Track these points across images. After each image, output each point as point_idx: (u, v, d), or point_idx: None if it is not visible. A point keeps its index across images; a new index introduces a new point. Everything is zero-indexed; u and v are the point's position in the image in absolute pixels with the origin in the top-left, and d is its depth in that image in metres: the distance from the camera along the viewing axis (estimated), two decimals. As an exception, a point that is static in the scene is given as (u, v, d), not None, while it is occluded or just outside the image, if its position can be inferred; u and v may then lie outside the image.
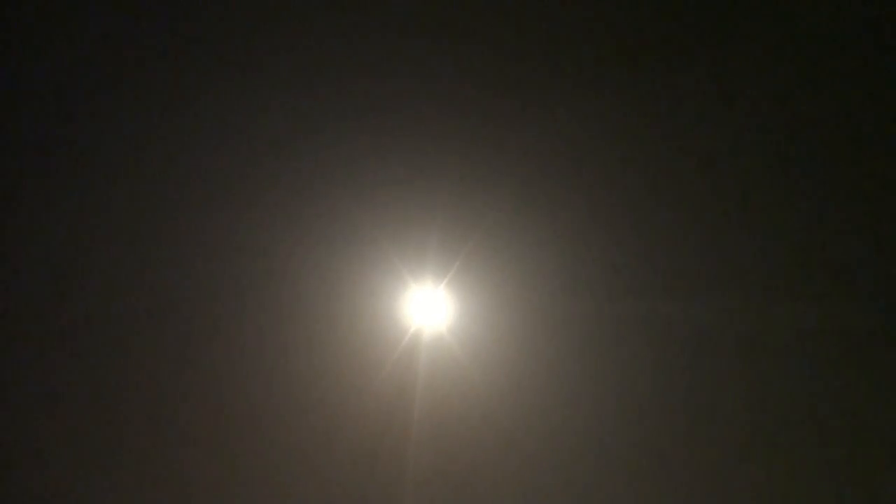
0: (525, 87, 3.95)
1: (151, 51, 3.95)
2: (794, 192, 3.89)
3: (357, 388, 3.87)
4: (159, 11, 3.94)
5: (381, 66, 3.99)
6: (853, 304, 3.84)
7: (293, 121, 3.98)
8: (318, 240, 3.95)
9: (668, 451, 3.86)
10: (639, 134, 3.93)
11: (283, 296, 3.95)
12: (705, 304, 3.88)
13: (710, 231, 3.92)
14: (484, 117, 3.94)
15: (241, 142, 3.99)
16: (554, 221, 3.96)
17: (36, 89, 3.95)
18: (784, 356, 3.86)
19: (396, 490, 3.82)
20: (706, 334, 3.87)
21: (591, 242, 3.94)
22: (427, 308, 3.96)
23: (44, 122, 3.95)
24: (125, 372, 3.90)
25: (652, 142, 3.94)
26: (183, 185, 3.97)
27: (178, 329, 3.92)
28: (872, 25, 3.84)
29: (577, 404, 3.89)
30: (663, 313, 3.88)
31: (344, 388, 3.88)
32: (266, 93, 3.99)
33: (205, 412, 3.88)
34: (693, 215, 3.93)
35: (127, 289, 3.94)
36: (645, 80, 3.87)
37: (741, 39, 3.85)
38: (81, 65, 3.95)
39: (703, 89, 3.87)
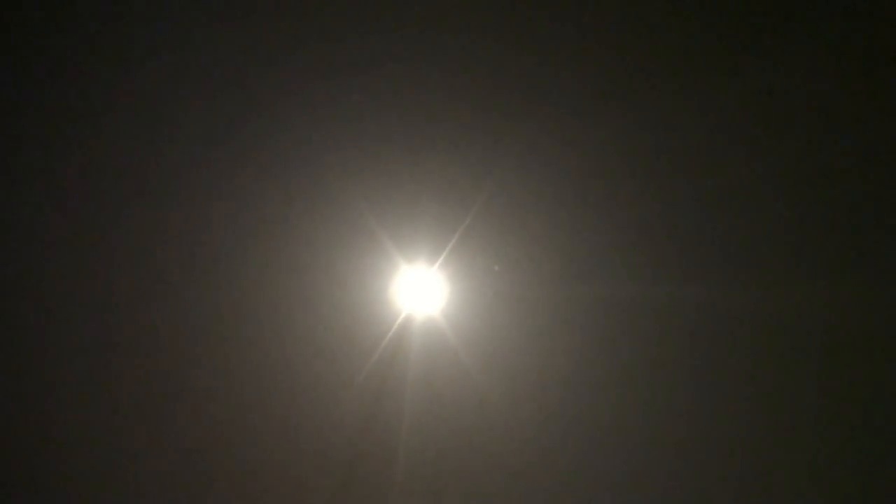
0: (523, 67, 3.91)
1: (150, 51, 3.95)
2: (795, 182, 3.90)
3: (344, 377, 3.81)
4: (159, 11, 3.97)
5: (374, 38, 3.94)
6: (855, 296, 3.83)
7: (277, 95, 3.92)
8: (300, 218, 3.87)
9: (668, 437, 3.82)
10: (639, 122, 3.91)
11: (263, 278, 3.87)
12: (705, 290, 3.86)
13: (711, 217, 3.90)
14: (481, 93, 3.90)
15: (226, 125, 3.94)
16: (553, 202, 3.90)
17: (37, 89, 3.95)
18: (786, 344, 3.83)
19: (385, 482, 3.76)
20: (705, 319, 3.84)
21: (592, 225, 3.90)
22: (419, 291, 3.90)
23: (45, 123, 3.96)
24: (119, 366, 3.87)
25: (652, 130, 3.93)
26: (172, 175, 3.93)
27: (164, 315, 3.87)
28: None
29: (577, 392, 3.84)
30: (663, 299, 3.85)
31: (330, 377, 3.81)
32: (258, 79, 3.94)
33: (190, 402, 3.82)
34: (695, 203, 3.90)
35: (120, 280, 3.89)
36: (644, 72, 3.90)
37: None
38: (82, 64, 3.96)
39: (703, 85, 3.89)
